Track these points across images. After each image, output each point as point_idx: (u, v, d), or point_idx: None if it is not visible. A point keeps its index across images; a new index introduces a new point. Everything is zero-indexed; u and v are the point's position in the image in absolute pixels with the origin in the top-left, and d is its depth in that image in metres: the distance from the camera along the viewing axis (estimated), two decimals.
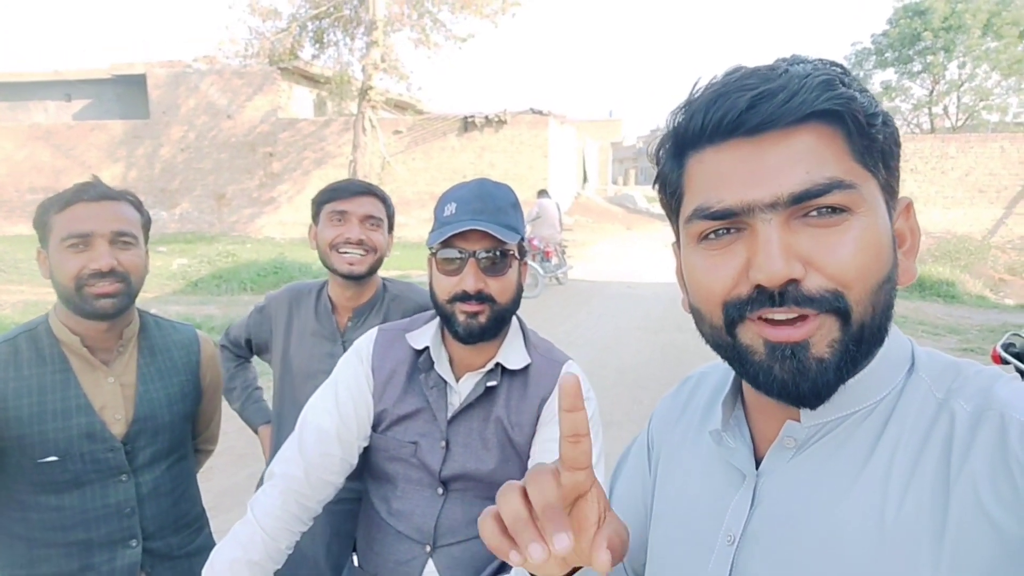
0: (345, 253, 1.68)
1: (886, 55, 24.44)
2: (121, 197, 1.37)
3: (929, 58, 22.92)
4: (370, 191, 1.74)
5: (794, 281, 0.56)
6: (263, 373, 2.12)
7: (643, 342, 7.38)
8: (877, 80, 25.54)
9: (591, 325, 8.41)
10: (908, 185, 17.39)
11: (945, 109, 25.13)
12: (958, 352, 7.36)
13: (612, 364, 6.56)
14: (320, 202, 1.74)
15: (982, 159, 17.26)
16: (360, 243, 1.68)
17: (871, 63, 25.16)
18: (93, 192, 1.33)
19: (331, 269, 1.73)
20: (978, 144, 17.42)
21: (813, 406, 0.60)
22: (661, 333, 7.63)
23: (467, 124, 17.25)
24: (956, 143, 17.57)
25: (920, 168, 17.44)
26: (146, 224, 1.43)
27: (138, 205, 1.41)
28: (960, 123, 24.66)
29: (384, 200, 1.77)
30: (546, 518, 0.54)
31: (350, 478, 1.29)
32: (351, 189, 1.72)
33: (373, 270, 1.73)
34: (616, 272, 12.95)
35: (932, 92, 24.40)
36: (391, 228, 1.81)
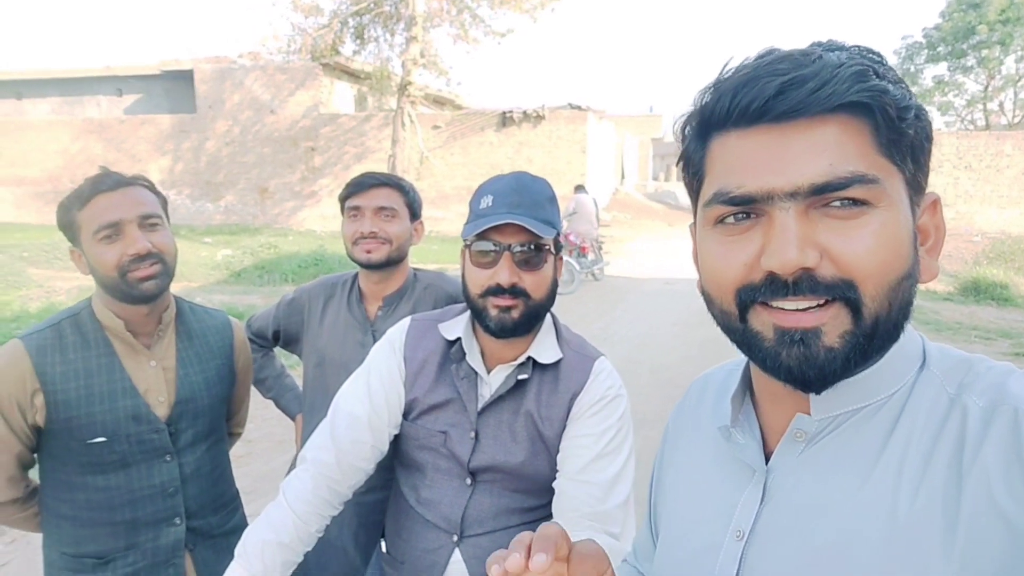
0: (362, 245, 1.73)
1: (938, 49, 23.66)
2: (135, 182, 1.40)
3: (984, 52, 22.10)
4: (384, 182, 1.76)
5: (808, 270, 0.55)
6: (292, 365, 2.15)
7: (679, 339, 7.29)
8: (929, 75, 24.76)
9: (626, 322, 8.34)
10: (962, 183, 16.82)
11: (1001, 105, 24.22)
12: (1010, 357, 7.10)
13: (646, 362, 6.50)
14: (342, 199, 1.80)
15: None
16: (373, 235, 1.72)
17: (922, 57, 24.39)
18: (109, 182, 1.36)
19: (354, 261, 1.77)
20: None
21: (818, 391, 0.60)
22: (699, 329, 7.48)
23: (505, 119, 17.24)
24: (1012, 140, 16.89)
25: (975, 166, 16.83)
26: (164, 205, 1.45)
27: (152, 187, 1.44)
28: (1017, 120, 23.72)
29: (401, 188, 1.78)
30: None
31: (380, 466, 1.31)
32: (364, 183, 1.75)
33: (394, 259, 1.75)
34: (654, 268, 12.81)
35: (987, 87, 23.53)
36: (415, 216, 1.83)
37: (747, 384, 0.72)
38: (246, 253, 12.36)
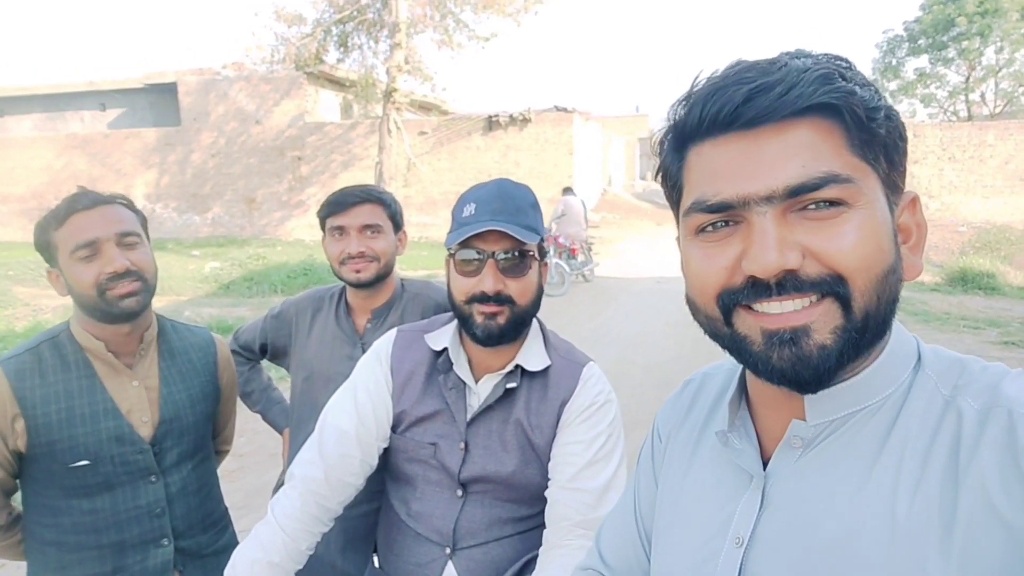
0: (350, 265, 1.71)
1: (919, 42, 23.88)
2: (113, 200, 1.38)
3: (964, 44, 22.30)
4: (365, 199, 1.73)
5: (791, 272, 0.56)
6: (281, 378, 2.12)
7: (671, 338, 7.30)
8: (911, 68, 24.97)
9: (618, 322, 8.35)
10: (946, 174, 16.95)
11: (982, 96, 24.47)
12: (999, 346, 7.15)
13: (639, 362, 6.50)
14: (322, 217, 1.77)
15: (1022, 146, 16.71)
16: (361, 255, 1.70)
17: (904, 50, 24.62)
18: (86, 200, 1.34)
19: (342, 280, 1.76)
20: (1017, 131, 16.87)
21: (814, 391, 0.60)
22: (691, 328, 7.25)
23: (491, 123, 17.24)
24: (995, 130, 17.05)
25: (958, 157, 16.97)
26: (143, 222, 1.43)
27: (130, 205, 1.42)
28: (998, 109, 23.98)
29: (383, 202, 1.76)
30: None
31: (367, 478, 1.29)
32: (346, 201, 1.72)
33: (382, 275, 1.74)
34: (644, 268, 12.83)
35: (968, 79, 23.77)
36: (398, 227, 1.81)
37: (743, 389, 0.72)
38: (234, 265, 12.28)
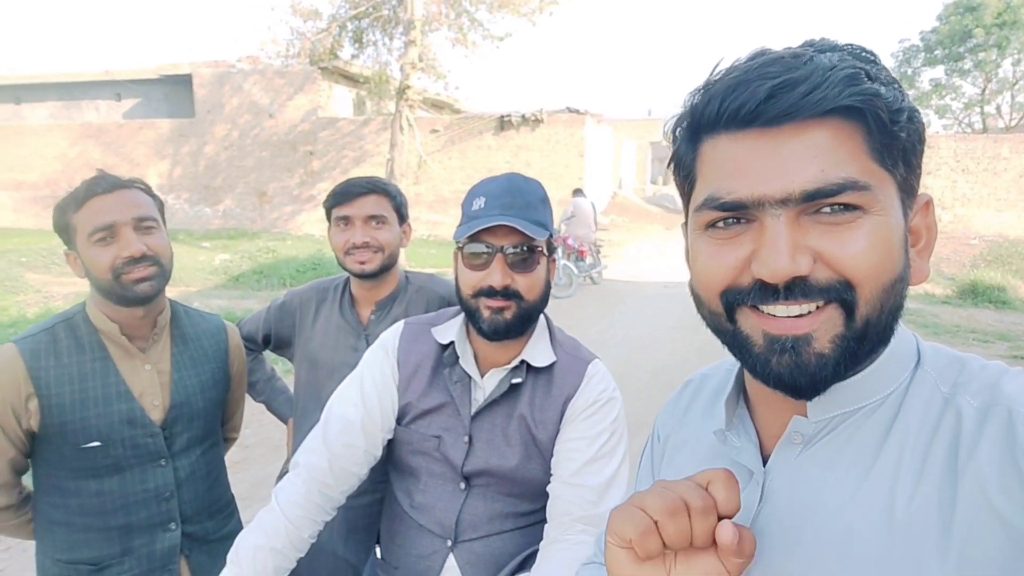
0: (354, 255, 1.72)
1: (935, 52, 23.74)
2: (131, 185, 1.40)
3: (981, 55, 22.17)
4: (371, 189, 1.74)
5: (801, 277, 0.55)
6: (287, 371, 2.13)
7: (679, 341, 7.29)
8: (926, 78, 24.84)
9: (626, 324, 8.34)
10: (960, 186, 16.83)
11: (998, 108, 24.31)
12: (1008, 359, 7.10)
13: (646, 364, 6.49)
14: (328, 207, 1.78)
15: None
16: (366, 245, 1.71)
17: (920, 60, 24.48)
18: (105, 184, 1.36)
19: (346, 270, 1.77)
20: None
21: (809, 398, 0.60)
22: (699, 331, 7.32)
23: (503, 123, 17.24)
24: (1010, 143, 16.90)
25: (972, 169, 16.84)
26: (160, 207, 1.45)
27: (148, 190, 1.43)
28: (1014, 122, 23.80)
29: (388, 193, 1.77)
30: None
31: (373, 470, 1.30)
32: (351, 192, 1.74)
33: (386, 266, 1.75)
34: (653, 271, 12.80)
35: (984, 91, 23.61)
36: (403, 219, 1.82)
37: (740, 387, 0.72)
38: (244, 257, 12.36)
